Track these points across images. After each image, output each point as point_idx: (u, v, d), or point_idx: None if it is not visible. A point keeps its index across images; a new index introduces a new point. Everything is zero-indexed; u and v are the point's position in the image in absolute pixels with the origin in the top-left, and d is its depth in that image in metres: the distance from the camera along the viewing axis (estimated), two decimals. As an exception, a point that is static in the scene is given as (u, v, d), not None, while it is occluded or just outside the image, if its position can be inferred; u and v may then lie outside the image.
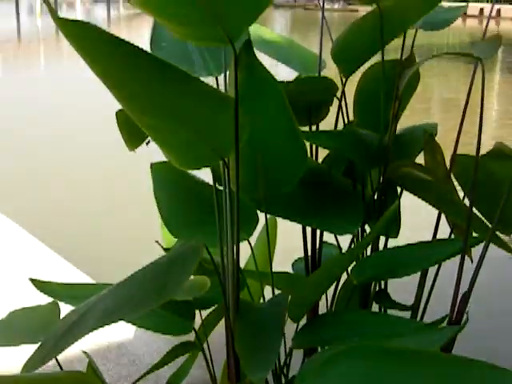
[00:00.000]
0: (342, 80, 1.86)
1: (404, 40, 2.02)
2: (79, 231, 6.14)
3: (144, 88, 1.05)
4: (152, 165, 1.84)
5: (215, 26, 1.12)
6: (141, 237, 4.98)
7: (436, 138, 1.91)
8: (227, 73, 1.54)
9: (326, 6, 54.27)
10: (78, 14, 63.98)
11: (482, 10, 41.80)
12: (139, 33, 40.80)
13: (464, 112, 1.95)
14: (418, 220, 4.60)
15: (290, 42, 2.04)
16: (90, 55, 1.00)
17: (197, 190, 1.77)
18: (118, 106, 1.32)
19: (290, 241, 2.71)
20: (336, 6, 54.88)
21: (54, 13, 0.94)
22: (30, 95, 14.95)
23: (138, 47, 0.99)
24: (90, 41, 0.96)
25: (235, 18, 1.11)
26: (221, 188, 1.66)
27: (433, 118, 13.12)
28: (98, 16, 66.01)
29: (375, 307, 1.99)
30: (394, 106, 1.86)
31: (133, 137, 1.73)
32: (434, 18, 2.01)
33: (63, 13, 71.16)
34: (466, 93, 1.92)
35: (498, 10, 39.03)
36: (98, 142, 10.29)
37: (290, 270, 2.15)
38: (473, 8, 44.89)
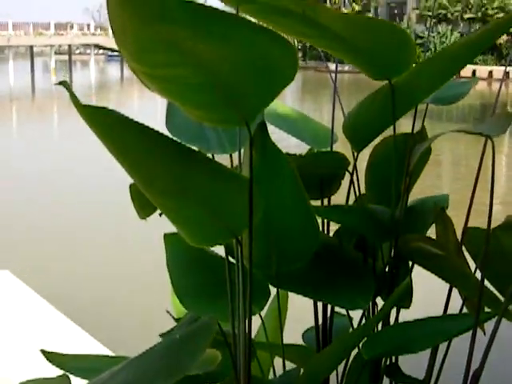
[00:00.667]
0: (353, 154, 1.89)
1: (416, 112, 2.05)
2: (93, 297, 6.15)
3: (162, 171, 1.08)
4: (165, 236, 1.85)
5: (231, 110, 1.14)
6: (152, 304, 4.98)
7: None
8: (241, 150, 1.57)
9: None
10: (91, 73, 64.92)
11: (490, 72, 42.23)
12: (153, 93, 41.29)
13: (474, 188, 1.97)
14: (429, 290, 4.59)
15: (302, 116, 2.08)
16: (109, 140, 1.02)
17: (209, 262, 1.79)
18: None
19: (300, 309, 2.71)
20: (346, 67, 55.51)
21: (76, 100, 0.97)
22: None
23: (156, 132, 1.02)
24: (109, 127, 0.98)
25: (251, 101, 1.13)
26: (233, 261, 1.68)
27: (442, 181, 13.13)
28: (112, 75, 66.95)
29: (386, 381, 1.98)
30: (405, 181, 1.88)
31: (145, 207, 1.75)
32: (444, 92, 2.04)
33: (78, 71, 72.15)
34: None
35: (507, 73, 39.42)
36: (110, 202, 10.34)
37: (299, 337, 2.15)
38: (482, 70, 45.34)
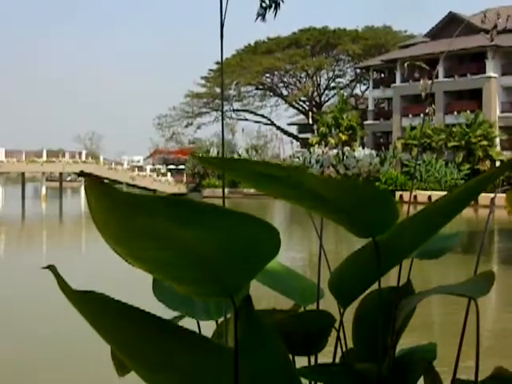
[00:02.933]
0: (339, 309, 1.89)
1: (401, 264, 2.06)
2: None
3: (145, 350, 1.08)
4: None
5: (215, 285, 1.16)
6: None
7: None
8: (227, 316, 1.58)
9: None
10: (82, 200, 65.36)
11: (476, 199, 42.75)
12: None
13: (461, 338, 1.97)
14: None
15: (289, 271, 2.09)
16: (100, 326, 1.03)
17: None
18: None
19: None
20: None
21: (65, 286, 0.98)
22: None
23: (140, 311, 1.02)
24: (100, 312, 0.99)
25: (235, 278, 1.15)
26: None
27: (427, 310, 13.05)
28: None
29: None
30: (391, 337, 1.88)
31: (124, 367, 1.74)
32: (430, 246, 2.07)
33: (68, 198, 72.64)
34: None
35: (492, 199, 39.83)
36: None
37: None
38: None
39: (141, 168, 77.68)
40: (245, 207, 33.84)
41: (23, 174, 68.55)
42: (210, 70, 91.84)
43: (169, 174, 75.57)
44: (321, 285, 2.06)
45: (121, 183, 69.19)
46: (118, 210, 0.98)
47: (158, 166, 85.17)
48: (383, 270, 1.84)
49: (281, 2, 1.86)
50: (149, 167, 79.75)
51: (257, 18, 2.04)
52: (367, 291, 1.98)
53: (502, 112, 61.76)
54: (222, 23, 1.86)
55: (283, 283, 2.03)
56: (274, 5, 1.85)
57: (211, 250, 1.06)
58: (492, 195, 2.64)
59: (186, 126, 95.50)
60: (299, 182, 1.57)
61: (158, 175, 73.66)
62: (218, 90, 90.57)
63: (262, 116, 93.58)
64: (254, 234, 1.08)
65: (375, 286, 1.94)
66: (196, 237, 1.02)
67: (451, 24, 65.12)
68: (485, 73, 61.74)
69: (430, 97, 3.54)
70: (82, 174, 0.97)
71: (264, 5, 1.83)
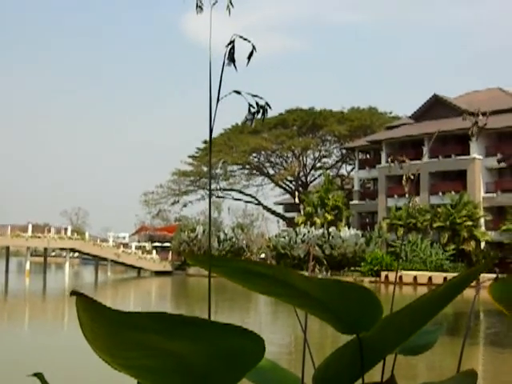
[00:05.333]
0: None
1: (384, 361, 2.07)
2: None
3: None
4: None
5: (201, 389, 1.17)
6: None
7: None
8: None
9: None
10: (66, 276, 64.88)
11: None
12: (124, 300, 41.19)
13: None
14: None
15: (271, 364, 2.09)
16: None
17: None
18: None
19: None
20: (320, 275, 56.03)
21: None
22: None
23: None
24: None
25: (221, 382, 1.16)
26: None
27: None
28: (86, 278, 66.90)
29: None
30: None
31: None
32: (413, 342, 2.08)
33: (52, 273, 72.08)
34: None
35: (478, 281, 39.78)
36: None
37: None
38: (438, 277, 45.53)
39: (126, 245, 77.37)
40: (230, 288, 33.62)
41: (8, 248, 68.15)
42: (198, 149, 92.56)
43: (154, 251, 75.28)
44: (306, 380, 2.06)
45: (106, 259, 68.79)
46: (109, 326, 1.00)
47: (143, 243, 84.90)
48: (367, 367, 1.85)
49: (268, 108, 1.91)
50: (134, 244, 79.46)
51: (245, 123, 2.11)
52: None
53: (487, 192, 62.35)
54: (211, 128, 1.91)
55: (267, 378, 2.03)
56: (261, 110, 1.90)
57: (198, 360, 1.08)
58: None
59: (173, 204, 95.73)
60: (285, 280, 1.60)
61: (143, 252, 73.32)
62: (205, 168, 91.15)
63: (249, 195, 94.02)
64: (239, 343, 1.10)
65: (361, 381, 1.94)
66: (183, 348, 1.04)
67: (435, 106, 66.29)
68: (469, 154, 62.52)
69: (411, 180, 3.59)
70: (73, 293, 1.00)
71: (252, 110, 1.89)
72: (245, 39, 1.86)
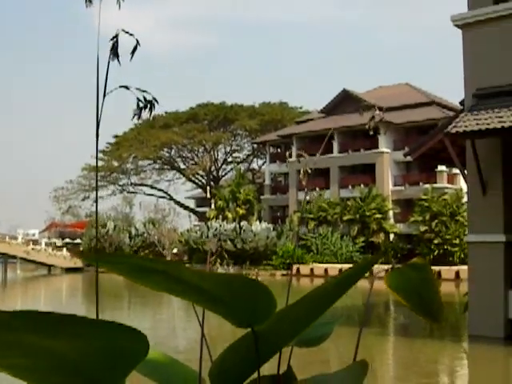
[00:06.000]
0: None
1: (280, 353, 2.09)
2: None
3: None
4: None
5: (86, 388, 1.16)
6: None
7: None
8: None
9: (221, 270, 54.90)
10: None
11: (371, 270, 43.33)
12: (35, 298, 40.39)
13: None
14: None
15: (171, 361, 2.09)
16: None
17: None
18: None
19: None
20: (231, 269, 56.16)
21: None
22: None
23: None
24: None
25: (106, 381, 1.15)
26: None
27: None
28: (-6, 275, 65.20)
29: None
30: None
31: None
32: (309, 334, 2.11)
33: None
34: None
35: (387, 270, 40.63)
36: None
37: None
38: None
39: (36, 242, 75.82)
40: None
41: None
42: (109, 144, 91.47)
43: (65, 248, 73.99)
44: (205, 374, 2.07)
45: (15, 257, 67.26)
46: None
47: (53, 240, 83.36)
48: (263, 359, 1.87)
49: (155, 104, 1.92)
50: (44, 241, 77.93)
51: (133, 118, 2.11)
52: (248, 380, 2.00)
53: (395, 186, 63.64)
54: (98, 122, 1.90)
55: (164, 373, 2.03)
56: (149, 106, 1.91)
57: (78, 358, 1.07)
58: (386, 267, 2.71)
59: (83, 200, 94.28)
60: (178, 276, 1.61)
61: (53, 249, 71.98)
62: (115, 163, 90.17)
63: (160, 190, 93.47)
64: (121, 341, 1.09)
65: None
66: (61, 347, 1.03)
67: (345, 100, 67.23)
68: (378, 148, 63.68)
69: (308, 174, 3.64)
70: None
71: (140, 105, 1.89)
72: (130, 34, 1.85)
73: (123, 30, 1.91)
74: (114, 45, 1.87)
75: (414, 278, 1.99)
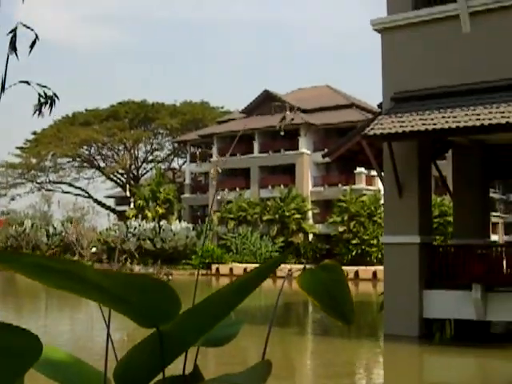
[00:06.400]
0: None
1: (186, 353, 2.08)
2: None
3: None
4: None
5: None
6: None
7: None
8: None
9: (140, 270, 54.47)
10: None
11: (290, 270, 43.65)
12: None
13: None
14: None
15: (76, 361, 2.06)
16: None
17: None
18: None
19: None
20: (151, 269, 55.69)
21: None
22: None
23: None
24: None
25: (-4, 382, 1.13)
26: None
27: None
28: None
29: None
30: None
31: None
32: (215, 334, 2.11)
33: None
34: None
35: (290, 270, 40.90)
36: None
37: None
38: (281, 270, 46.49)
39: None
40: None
41: None
42: (27, 141, 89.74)
43: (-21, 247, 72.20)
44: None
45: None
46: None
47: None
48: (168, 360, 1.86)
49: (56, 100, 1.90)
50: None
51: (34, 113, 2.08)
52: (154, 380, 1.98)
53: (314, 186, 64.33)
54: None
55: (68, 373, 2.00)
56: (49, 101, 1.89)
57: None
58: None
59: (0, 197, 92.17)
60: (80, 275, 1.58)
61: (-33, 248, 70.23)
62: (34, 160, 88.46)
63: (79, 188, 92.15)
64: (8, 342, 1.07)
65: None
66: None
67: (266, 101, 67.55)
68: (298, 149, 64.24)
69: (219, 173, 3.65)
70: None
71: (42, 100, 1.87)
72: (28, 27, 1.82)
73: (22, 24, 1.88)
74: (12, 39, 1.83)
75: (325, 279, 2.00)
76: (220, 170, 3.34)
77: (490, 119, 16.01)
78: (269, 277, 1.91)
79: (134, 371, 1.87)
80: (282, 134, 3.78)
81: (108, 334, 2.07)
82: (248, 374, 1.76)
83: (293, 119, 4.32)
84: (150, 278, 1.65)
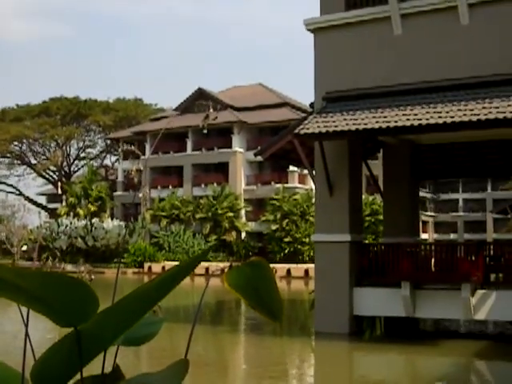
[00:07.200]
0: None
1: (105, 352, 2.08)
2: None
3: None
4: None
5: None
6: None
7: None
8: None
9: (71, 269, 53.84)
10: None
11: (207, 268, 43.21)
12: None
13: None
14: None
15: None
16: None
17: None
18: None
19: None
20: (82, 268, 54.87)
21: None
22: None
23: None
24: None
25: None
26: None
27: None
28: None
29: None
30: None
31: None
32: (135, 333, 2.11)
33: None
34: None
35: (223, 269, 40.72)
36: None
37: None
38: (200, 268, 45.70)
39: None
40: None
41: None
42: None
43: None
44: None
45: None
46: None
47: None
48: (86, 359, 1.86)
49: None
50: None
51: None
52: (73, 380, 1.98)
53: (247, 185, 64.48)
54: None
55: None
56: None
57: None
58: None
59: None
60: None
61: None
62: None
63: (10, 185, 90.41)
64: None
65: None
66: None
67: (200, 99, 67.41)
68: (231, 147, 64.29)
69: (140, 172, 3.62)
70: None
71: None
72: None
73: None
74: None
75: (252, 276, 2.01)
76: (142, 168, 3.32)
77: (419, 119, 16.27)
78: (200, 275, 1.92)
79: (51, 371, 1.85)
80: (205, 132, 3.78)
81: (26, 334, 2.06)
82: (165, 374, 1.76)
83: (216, 118, 4.31)
84: (66, 277, 1.65)
